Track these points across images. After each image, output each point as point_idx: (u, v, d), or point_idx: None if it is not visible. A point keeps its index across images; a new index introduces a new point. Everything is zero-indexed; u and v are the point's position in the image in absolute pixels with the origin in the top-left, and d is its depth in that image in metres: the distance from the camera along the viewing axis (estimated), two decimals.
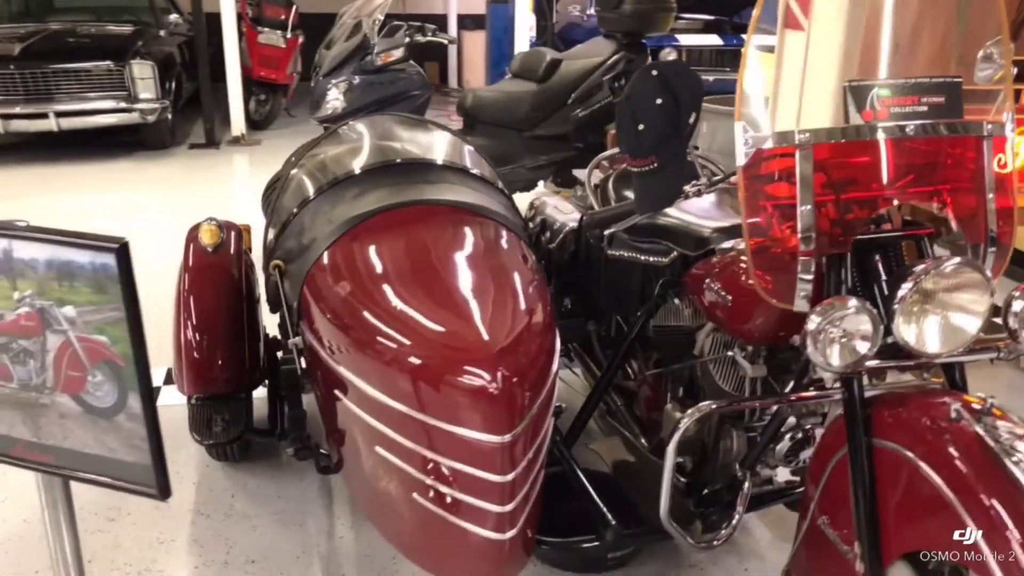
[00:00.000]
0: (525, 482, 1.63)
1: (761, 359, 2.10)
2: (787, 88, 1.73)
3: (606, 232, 2.10)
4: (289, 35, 9.22)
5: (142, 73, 7.60)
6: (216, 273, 2.61)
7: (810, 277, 1.72)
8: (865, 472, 1.68)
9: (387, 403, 1.68)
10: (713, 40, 8.84)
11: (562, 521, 2.19)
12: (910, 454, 1.60)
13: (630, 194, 2.59)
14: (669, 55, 8.53)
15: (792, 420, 2.12)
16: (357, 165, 2.34)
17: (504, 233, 2.15)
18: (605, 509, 2.20)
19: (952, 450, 1.52)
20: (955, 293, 1.63)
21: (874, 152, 1.70)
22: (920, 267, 1.63)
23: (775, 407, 2.10)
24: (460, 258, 1.98)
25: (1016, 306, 1.66)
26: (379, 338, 1.70)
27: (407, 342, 1.66)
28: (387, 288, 1.84)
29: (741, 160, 1.74)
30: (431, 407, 1.60)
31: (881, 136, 1.68)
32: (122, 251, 1.40)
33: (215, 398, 2.53)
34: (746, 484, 2.13)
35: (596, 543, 2.17)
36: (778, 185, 1.75)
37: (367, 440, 1.80)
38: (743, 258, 2.06)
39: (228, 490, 2.76)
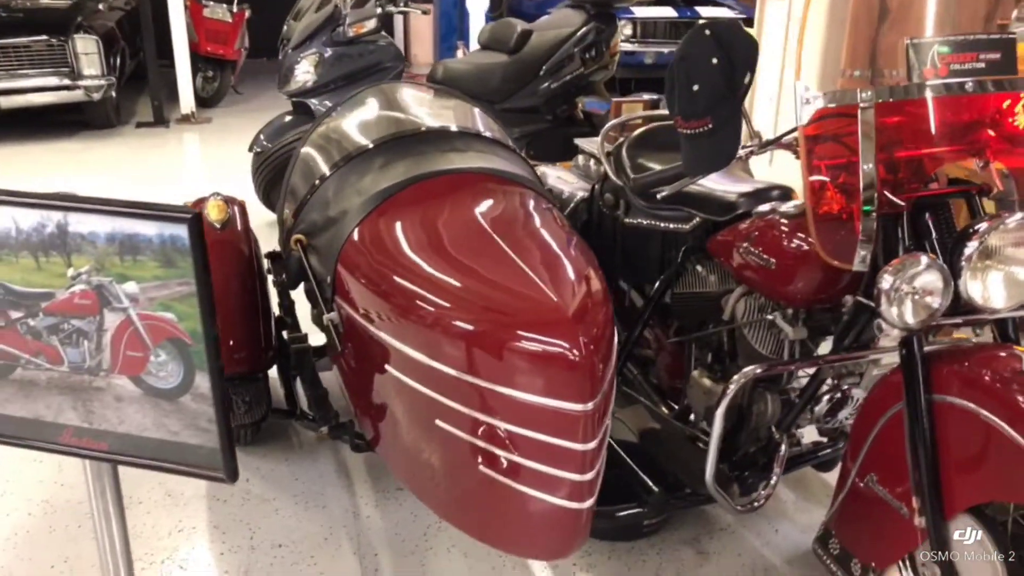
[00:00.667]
0: (600, 451, 1.60)
1: (801, 321, 2.10)
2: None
3: (659, 195, 2.08)
4: (235, 8, 8.93)
5: (86, 48, 7.28)
6: (227, 250, 2.51)
7: (870, 237, 1.72)
8: (926, 428, 1.70)
9: (453, 375, 1.63)
10: (667, 12, 8.87)
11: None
12: (976, 407, 1.62)
13: (649, 161, 2.57)
14: (625, 28, 8.55)
15: (829, 381, 2.14)
16: (378, 135, 2.27)
17: (540, 200, 2.11)
18: (645, 476, 2.19)
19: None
20: (1019, 248, 1.65)
21: (933, 110, 1.70)
22: (984, 225, 1.64)
23: (813, 369, 2.11)
24: (508, 226, 1.94)
25: None
26: (445, 309, 1.65)
27: (479, 312, 1.62)
28: (442, 258, 1.78)
29: (803, 119, 1.73)
30: (507, 377, 1.56)
31: (942, 93, 1.68)
32: (195, 222, 1.32)
33: (235, 379, 2.44)
34: (783, 447, 2.14)
35: (638, 510, 2.17)
36: (838, 145, 1.75)
37: (424, 414, 1.75)
38: (784, 221, 2.06)
39: (241, 474, 2.68)
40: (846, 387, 2.15)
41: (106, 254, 1.38)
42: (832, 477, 2.13)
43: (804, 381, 2.16)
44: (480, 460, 1.66)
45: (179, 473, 1.53)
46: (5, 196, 1.39)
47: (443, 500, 1.84)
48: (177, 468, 1.52)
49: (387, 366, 1.82)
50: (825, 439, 2.40)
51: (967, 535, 1.68)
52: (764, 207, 2.16)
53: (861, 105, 1.67)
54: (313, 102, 4.98)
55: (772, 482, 2.13)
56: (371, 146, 2.22)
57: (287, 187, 2.43)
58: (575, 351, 1.49)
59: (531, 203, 2.07)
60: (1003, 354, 1.67)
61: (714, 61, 1.77)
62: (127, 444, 1.52)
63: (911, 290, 1.61)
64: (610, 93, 5.73)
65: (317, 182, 2.23)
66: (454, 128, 2.32)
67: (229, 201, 2.63)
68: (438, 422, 1.72)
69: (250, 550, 2.33)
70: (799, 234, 1.99)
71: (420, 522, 2.40)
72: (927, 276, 1.60)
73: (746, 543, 2.43)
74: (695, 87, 1.79)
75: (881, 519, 1.87)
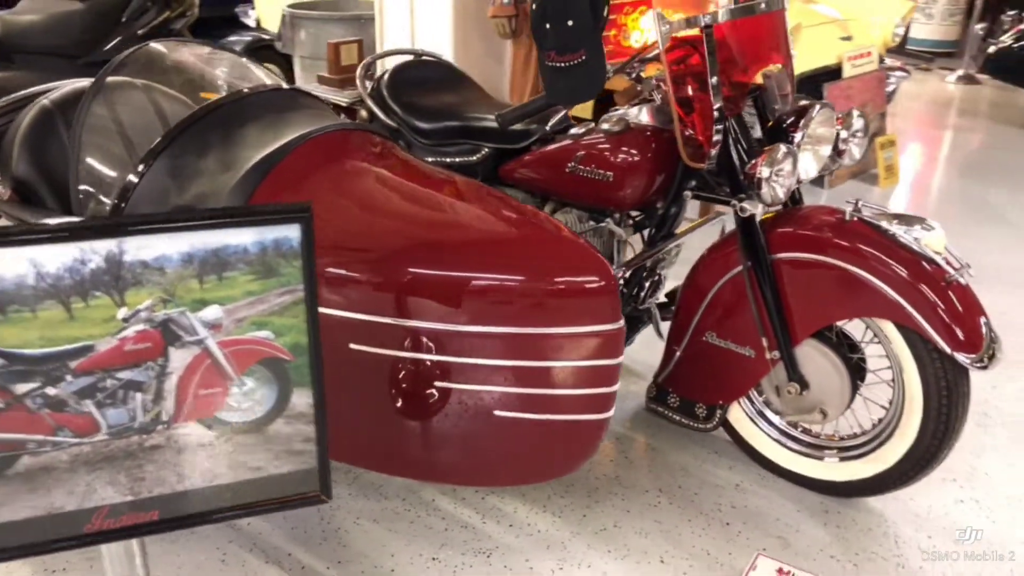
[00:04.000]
0: None
1: (626, 223, 2.41)
2: None
3: (533, 128, 2.18)
4: None
5: None
6: None
7: (719, 138, 2.08)
8: (768, 280, 2.13)
9: (468, 331, 1.61)
10: None
11: None
12: (811, 255, 2.09)
13: (415, 98, 2.63)
14: None
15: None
16: (200, 105, 1.97)
17: (403, 152, 2.07)
18: None
19: (852, 241, 2.04)
20: (820, 129, 2.14)
21: (748, 29, 2.09)
22: (807, 116, 2.09)
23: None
24: (428, 180, 1.88)
25: (851, 126, 2.21)
26: (456, 272, 1.59)
27: (504, 268, 1.60)
28: (407, 219, 1.70)
29: (662, 45, 2.00)
30: (546, 319, 1.60)
31: (758, 12, 2.08)
32: (308, 219, 1.15)
33: None
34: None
35: None
36: (687, 64, 2.05)
37: (424, 377, 1.69)
38: (611, 139, 2.31)
39: None
40: (662, 271, 2.53)
41: (179, 279, 1.12)
42: None
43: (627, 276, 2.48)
44: (509, 405, 1.68)
45: (256, 514, 1.33)
46: (19, 234, 1.04)
47: (448, 461, 1.79)
48: (255, 508, 1.32)
49: (358, 345, 1.70)
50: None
51: (812, 355, 2.20)
52: (576, 130, 2.40)
53: (703, 28, 1.99)
54: None
55: None
56: (199, 116, 1.93)
57: (77, 178, 1.98)
58: (605, 277, 1.60)
59: (403, 156, 2.02)
60: (826, 211, 2.15)
61: None
62: (187, 503, 1.27)
63: (777, 173, 2.01)
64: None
65: (142, 167, 1.88)
66: (270, 86, 2.11)
67: None
68: (441, 384, 1.69)
69: None
70: (628, 148, 2.27)
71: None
72: (789, 161, 2.01)
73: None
74: (570, 23, 1.93)
75: (724, 365, 2.30)
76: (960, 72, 7.57)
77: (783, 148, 2.00)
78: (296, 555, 2.11)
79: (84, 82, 2.39)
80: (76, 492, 1.20)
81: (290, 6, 4.83)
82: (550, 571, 2.10)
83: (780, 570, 2.10)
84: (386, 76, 2.73)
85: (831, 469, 2.25)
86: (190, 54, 2.31)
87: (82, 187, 1.98)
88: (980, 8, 7.30)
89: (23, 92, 2.45)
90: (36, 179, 2.22)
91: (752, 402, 2.38)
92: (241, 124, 1.96)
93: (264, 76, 2.29)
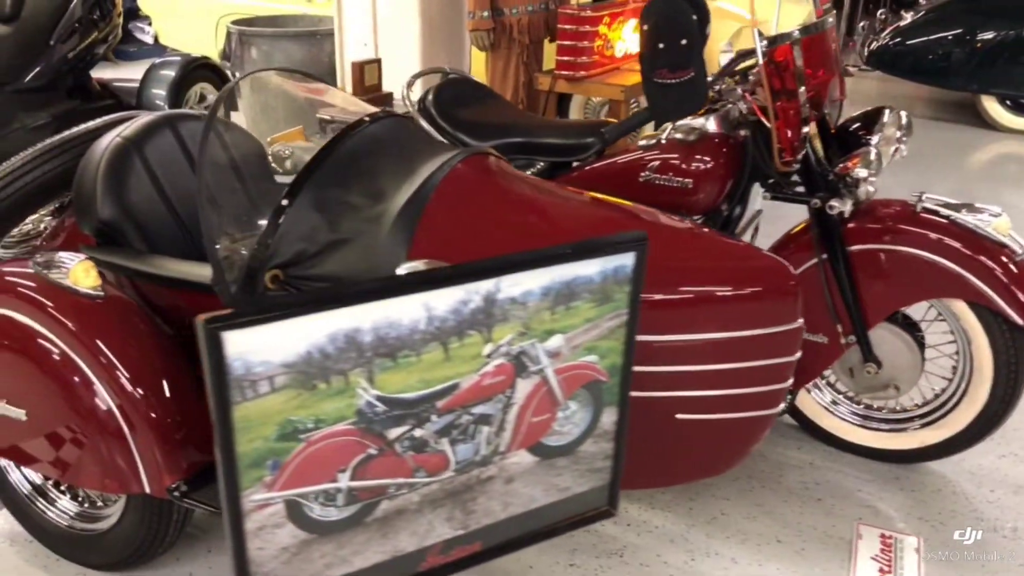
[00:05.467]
0: None
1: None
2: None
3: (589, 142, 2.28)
4: None
5: None
6: (118, 321, 1.85)
7: (804, 143, 2.25)
8: (845, 270, 2.33)
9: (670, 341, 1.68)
10: None
11: None
12: (887, 245, 2.30)
13: (460, 112, 2.68)
14: None
15: None
16: (327, 136, 1.94)
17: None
18: None
19: (925, 229, 2.26)
20: (890, 130, 2.35)
21: (818, 43, 2.27)
22: (880, 120, 2.29)
23: None
24: (579, 195, 1.93)
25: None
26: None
27: (689, 278, 1.67)
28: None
29: (761, 58, 2.15)
30: (732, 323, 1.69)
31: (823, 28, 2.26)
32: (643, 248, 1.20)
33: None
34: None
35: None
36: (781, 76, 2.21)
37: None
38: (685, 148, 2.43)
39: None
40: None
41: (537, 312, 1.15)
42: None
43: None
44: (692, 408, 1.76)
45: (555, 535, 1.37)
46: (418, 282, 1.04)
47: (630, 466, 1.83)
48: (554, 529, 1.36)
49: None
50: None
51: (884, 336, 2.41)
52: (644, 141, 2.51)
53: (793, 42, 2.15)
54: None
55: None
56: (332, 146, 1.90)
57: (206, 211, 1.88)
58: (790, 280, 1.72)
59: (524, 174, 2.07)
60: (889, 206, 2.35)
61: (694, 17, 2.06)
62: (504, 531, 1.30)
63: (868, 173, 2.19)
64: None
65: (285, 202, 1.83)
66: (388, 112, 2.09)
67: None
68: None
69: None
70: (702, 156, 2.41)
71: None
72: (876, 161, 2.20)
73: None
74: (683, 42, 2.05)
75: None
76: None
77: (873, 151, 2.19)
78: None
79: (147, 115, 2.29)
80: (419, 532, 1.20)
81: (234, 23, 4.68)
82: (683, 563, 2.21)
83: (883, 535, 2.29)
84: (430, 95, 2.74)
85: (907, 439, 2.47)
86: (284, 83, 2.25)
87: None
88: (848, 7, 7.94)
89: (76, 130, 2.32)
90: (122, 219, 2.11)
91: (821, 390, 2.56)
92: (372, 151, 1.95)
93: (357, 103, 2.27)
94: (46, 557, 2.16)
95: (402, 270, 1.22)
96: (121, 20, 4.98)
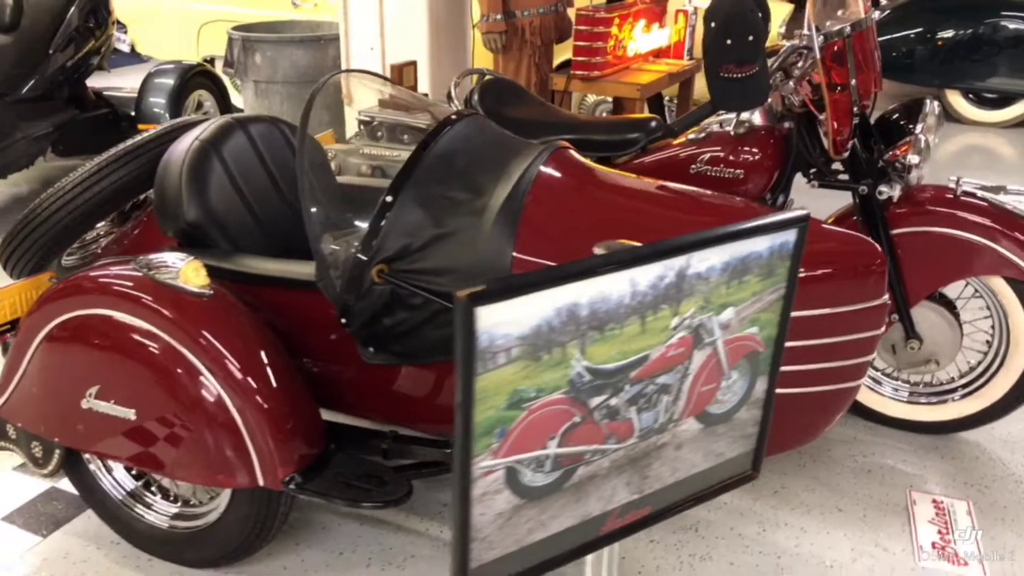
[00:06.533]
0: None
1: None
2: None
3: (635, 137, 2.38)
4: None
5: None
6: (226, 320, 1.89)
7: (852, 133, 2.38)
8: (890, 252, 2.47)
9: None
10: None
11: None
12: (930, 228, 2.45)
13: (505, 110, 2.76)
14: None
15: None
16: (416, 134, 2.00)
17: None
18: None
19: (966, 211, 2.41)
20: (931, 119, 2.49)
21: (863, 38, 2.40)
22: (923, 110, 2.43)
23: None
24: (655, 180, 2.02)
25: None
26: None
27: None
28: (682, 223, 1.84)
29: (818, 53, 2.27)
30: (825, 300, 1.80)
31: (867, 24, 2.39)
32: (805, 226, 1.30)
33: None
34: None
35: None
36: (834, 67, 2.33)
37: None
38: (733, 140, 2.55)
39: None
40: None
41: (715, 287, 1.24)
42: None
43: None
44: (785, 383, 1.85)
45: (707, 498, 1.45)
46: (624, 259, 1.12)
47: None
48: (707, 493, 1.44)
49: None
50: None
51: (924, 314, 2.55)
52: (694, 134, 2.62)
53: (844, 36, 2.28)
54: None
55: None
56: (427, 145, 1.96)
57: (309, 206, 1.92)
58: (877, 257, 1.84)
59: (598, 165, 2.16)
60: (929, 190, 2.50)
61: (760, 14, 2.17)
62: (669, 495, 1.38)
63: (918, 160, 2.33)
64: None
65: (389, 199, 1.89)
66: (471, 111, 2.17)
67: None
68: None
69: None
70: (751, 147, 2.53)
71: None
72: (926, 149, 2.34)
73: None
74: (750, 37, 2.16)
75: None
76: None
77: (923, 138, 2.33)
78: None
79: (216, 119, 2.33)
80: (604, 496, 1.28)
81: (235, 29, 4.67)
82: (756, 534, 2.32)
83: (935, 500, 2.43)
84: (475, 95, 2.81)
85: (947, 410, 2.62)
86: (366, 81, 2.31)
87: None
88: None
89: (141, 138, 2.34)
90: (207, 220, 2.15)
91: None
92: (463, 149, 2.01)
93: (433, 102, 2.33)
94: (137, 558, 2.18)
95: (598, 249, 1.30)
96: (115, 29, 4.94)
